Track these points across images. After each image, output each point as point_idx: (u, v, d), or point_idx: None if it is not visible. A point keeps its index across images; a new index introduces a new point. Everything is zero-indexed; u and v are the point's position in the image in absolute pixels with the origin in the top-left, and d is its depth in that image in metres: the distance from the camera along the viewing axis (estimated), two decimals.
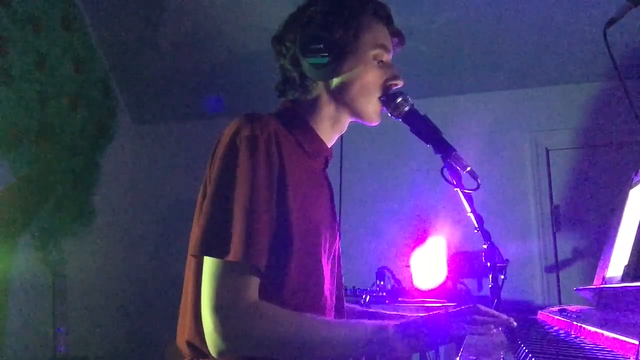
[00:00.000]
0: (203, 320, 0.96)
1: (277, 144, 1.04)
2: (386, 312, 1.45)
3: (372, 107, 1.18)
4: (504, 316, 1.02)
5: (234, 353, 0.96)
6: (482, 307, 1.03)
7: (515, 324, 1.02)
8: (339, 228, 1.25)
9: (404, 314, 1.40)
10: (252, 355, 0.97)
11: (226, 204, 0.98)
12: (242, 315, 0.94)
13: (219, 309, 0.94)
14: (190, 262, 1.07)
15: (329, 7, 1.16)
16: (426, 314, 1.07)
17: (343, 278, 1.30)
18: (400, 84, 1.19)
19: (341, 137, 1.27)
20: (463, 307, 1.04)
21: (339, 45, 1.13)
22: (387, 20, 1.22)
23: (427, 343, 1.00)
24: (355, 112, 1.19)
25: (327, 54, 1.12)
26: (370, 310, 1.51)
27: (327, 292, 1.12)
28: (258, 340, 0.95)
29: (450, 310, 1.05)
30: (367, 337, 0.99)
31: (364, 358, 1.09)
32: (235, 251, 0.95)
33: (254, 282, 0.97)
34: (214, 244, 0.96)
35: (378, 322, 1.04)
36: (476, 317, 1.00)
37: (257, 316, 0.95)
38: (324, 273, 1.11)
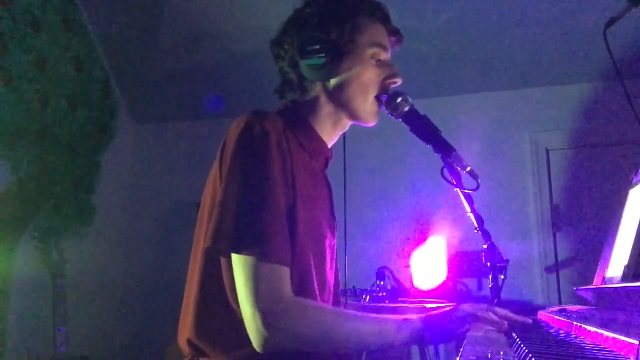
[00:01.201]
0: (246, 318, 0.96)
1: (286, 140, 1.05)
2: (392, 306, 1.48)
3: (368, 107, 1.19)
4: (521, 318, 1.06)
5: (282, 347, 0.97)
6: (499, 309, 1.07)
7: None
8: (337, 228, 1.25)
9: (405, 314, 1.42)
10: (297, 349, 0.99)
11: (246, 199, 0.98)
12: (286, 311, 0.95)
13: (265, 306, 0.94)
14: (196, 258, 1.07)
15: (325, 8, 1.16)
16: (445, 308, 1.10)
17: (345, 274, 1.32)
18: (399, 81, 1.19)
19: (344, 137, 1.27)
20: (479, 305, 1.08)
21: (336, 46, 1.13)
22: (384, 19, 1.22)
23: (447, 337, 1.05)
24: (352, 112, 1.19)
25: (324, 55, 1.12)
26: (375, 305, 1.54)
27: (320, 289, 1.13)
28: (305, 334, 0.97)
29: (464, 305, 1.09)
30: (394, 328, 1.02)
31: (365, 354, 1.13)
32: (267, 246, 0.95)
33: (288, 276, 0.99)
34: (244, 241, 0.96)
35: (402, 315, 1.08)
36: (492, 315, 1.05)
37: (300, 310, 0.97)
38: (321, 270, 1.12)
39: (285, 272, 0.98)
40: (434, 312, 1.09)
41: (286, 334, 0.95)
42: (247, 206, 0.98)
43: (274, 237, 0.96)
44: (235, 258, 0.98)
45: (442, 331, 1.05)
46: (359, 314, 1.09)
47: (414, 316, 1.06)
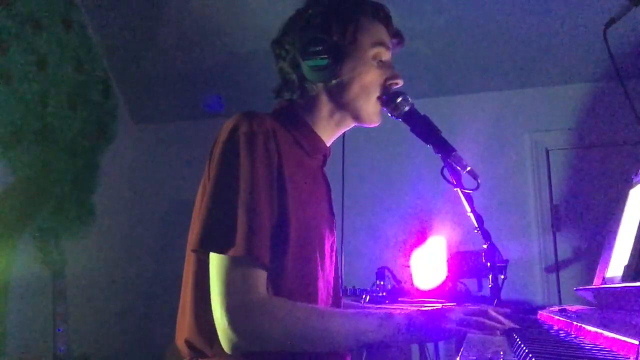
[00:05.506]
0: (215, 318, 0.96)
1: (275, 140, 1.05)
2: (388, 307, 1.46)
3: (371, 108, 1.19)
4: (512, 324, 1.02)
5: (249, 349, 0.96)
6: (493, 313, 1.02)
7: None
8: (336, 225, 1.25)
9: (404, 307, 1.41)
10: (266, 350, 0.98)
11: (227, 199, 0.98)
12: (255, 311, 0.95)
13: (231, 306, 0.94)
14: (190, 259, 1.07)
15: (327, 9, 1.17)
16: (433, 308, 1.08)
17: (341, 275, 1.31)
18: (400, 83, 1.20)
19: (343, 136, 1.28)
20: (474, 307, 1.04)
21: (338, 47, 1.13)
22: (386, 20, 1.22)
23: (431, 335, 1.01)
24: (355, 113, 1.19)
25: (326, 56, 1.12)
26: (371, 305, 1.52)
27: (321, 288, 1.13)
28: (272, 335, 0.96)
29: (459, 307, 1.05)
30: (375, 325, 0.99)
31: (365, 352, 1.10)
32: (240, 246, 0.95)
33: (262, 277, 0.98)
34: (218, 239, 0.96)
35: (384, 310, 1.04)
36: (486, 321, 0.99)
37: (269, 310, 0.96)
38: (320, 269, 1.12)
39: (259, 272, 0.97)
40: (424, 309, 1.08)
41: (252, 335, 0.94)
42: (224, 207, 0.98)
43: (249, 236, 0.96)
44: (211, 257, 0.98)
45: (428, 329, 0.99)
46: (337, 311, 1.07)
47: (397, 311, 1.03)
